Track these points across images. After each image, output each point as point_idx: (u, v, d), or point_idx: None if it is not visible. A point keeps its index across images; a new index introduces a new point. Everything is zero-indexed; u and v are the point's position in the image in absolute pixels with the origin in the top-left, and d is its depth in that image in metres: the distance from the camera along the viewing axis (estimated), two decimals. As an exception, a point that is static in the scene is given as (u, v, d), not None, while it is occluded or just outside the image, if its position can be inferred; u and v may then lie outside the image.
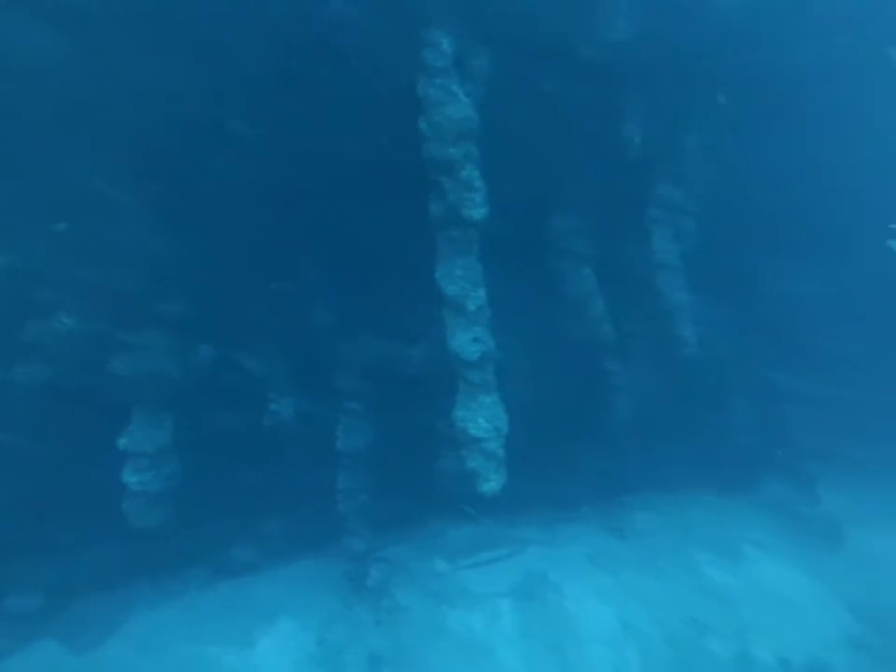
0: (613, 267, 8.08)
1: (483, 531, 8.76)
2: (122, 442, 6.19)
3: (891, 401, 9.59)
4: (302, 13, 5.87)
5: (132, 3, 5.32)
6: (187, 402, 6.72)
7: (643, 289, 8.01)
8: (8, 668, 6.23)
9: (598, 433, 8.69)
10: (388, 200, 6.90)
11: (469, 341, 5.80)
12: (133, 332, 6.22)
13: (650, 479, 9.38)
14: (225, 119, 6.19)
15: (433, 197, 6.16)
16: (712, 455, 9.50)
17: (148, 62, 5.57)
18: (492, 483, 5.64)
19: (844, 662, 7.13)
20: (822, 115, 7.89)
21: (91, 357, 6.04)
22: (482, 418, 5.67)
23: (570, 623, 7.26)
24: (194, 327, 6.68)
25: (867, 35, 7.50)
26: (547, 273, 7.83)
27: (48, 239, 5.74)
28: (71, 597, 6.68)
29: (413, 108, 5.99)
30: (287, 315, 7.54)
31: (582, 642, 7.05)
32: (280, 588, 7.61)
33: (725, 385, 9.37)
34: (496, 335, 6.07)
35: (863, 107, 8.03)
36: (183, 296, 6.50)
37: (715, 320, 8.93)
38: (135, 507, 6.21)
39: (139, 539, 6.52)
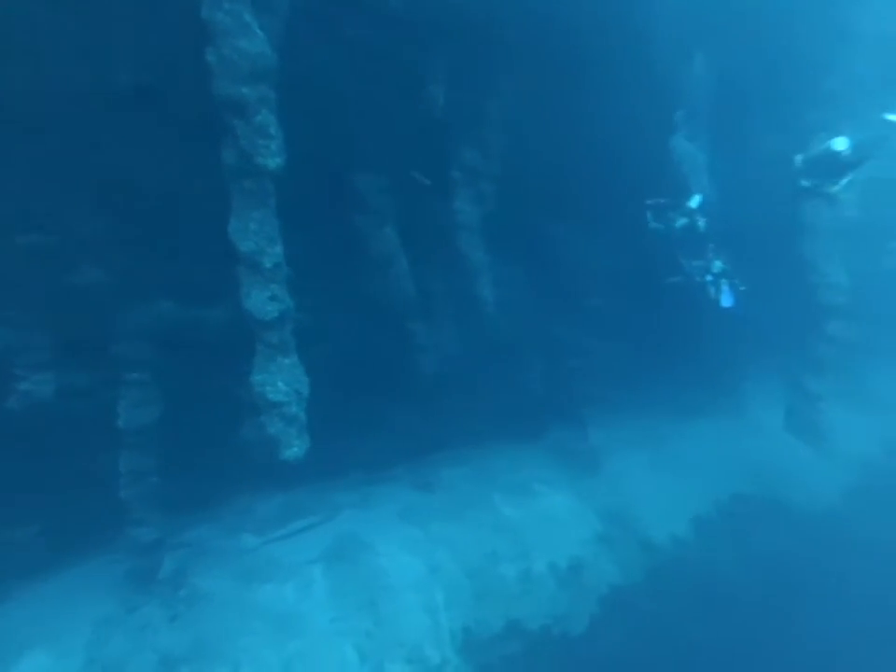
0: (416, 227, 8.24)
1: (293, 499, 8.56)
2: None
3: (642, 352, 11.48)
4: None
5: None
6: None
7: (445, 250, 8.33)
8: None
9: (405, 393, 8.97)
10: (173, 140, 6.06)
11: (265, 300, 5.41)
12: None
13: (456, 435, 10.01)
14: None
15: (225, 142, 5.51)
16: (511, 408, 10.46)
17: None
18: (294, 448, 5.42)
19: (592, 553, 9.08)
20: (609, 90, 8.64)
21: None
22: (281, 381, 5.37)
23: (381, 577, 7.50)
24: None
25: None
26: (349, 231, 7.68)
27: None
28: None
29: (199, 35, 5.23)
30: (44, 275, 6.25)
31: (394, 592, 7.37)
32: (30, 612, 6.30)
33: (521, 343, 10.30)
34: (296, 294, 5.77)
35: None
36: None
37: (511, 281, 9.69)
38: None
39: None
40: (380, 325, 8.35)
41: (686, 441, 11.57)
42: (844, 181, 7.19)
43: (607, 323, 10.99)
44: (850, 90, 9.83)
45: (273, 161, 5.25)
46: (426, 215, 8.43)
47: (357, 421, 8.51)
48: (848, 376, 12.52)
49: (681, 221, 9.01)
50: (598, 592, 8.75)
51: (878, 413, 13.85)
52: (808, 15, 9.93)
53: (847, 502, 11.82)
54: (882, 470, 12.72)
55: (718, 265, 9.31)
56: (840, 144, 7.34)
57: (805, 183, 7.43)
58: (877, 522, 11.00)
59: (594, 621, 8.26)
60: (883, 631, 9.03)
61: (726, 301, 9.06)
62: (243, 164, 5.40)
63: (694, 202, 8.95)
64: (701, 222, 8.96)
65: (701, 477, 10.97)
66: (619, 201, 9.94)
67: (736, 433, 12.01)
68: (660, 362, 11.96)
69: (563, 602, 8.17)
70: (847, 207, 9.91)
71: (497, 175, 8.30)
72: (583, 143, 8.97)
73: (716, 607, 9.23)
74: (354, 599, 7.18)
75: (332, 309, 7.94)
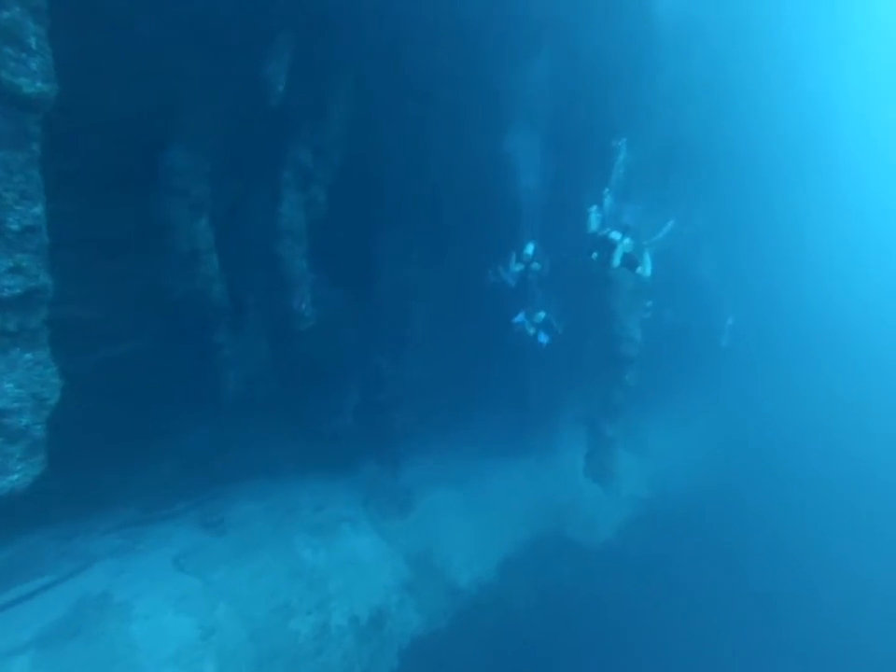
0: (234, 224, 7.15)
1: (21, 551, 6.41)
2: None
3: (461, 389, 11.48)
4: None
5: None
6: None
7: (263, 254, 7.33)
8: None
9: (201, 413, 7.57)
10: None
11: (2, 271, 3.93)
12: None
13: (258, 464, 8.74)
14: None
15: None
16: (320, 439, 9.52)
17: None
18: (14, 476, 3.86)
19: (396, 601, 8.59)
20: (446, 112, 8.56)
21: None
22: (9, 382, 3.87)
23: (127, 655, 5.78)
24: None
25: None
26: (155, 215, 6.32)
27: None
28: None
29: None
30: None
31: (144, 672, 5.75)
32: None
33: (337, 368, 9.52)
34: (63, 277, 4.35)
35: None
36: None
37: (333, 301, 8.96)
38: None
39: None
40: (179, 331, 6.95)
41: (497, 482, 11.76)
42: (616, 260, 8.29)
43: (428, 356, 10.77)
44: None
45: (30, 84, 3.89)
46: (248, 213, 7.39)
47: (133, 444, 6.85)
48: (628, 422, 14.14)
49: (518, 268, 9.27)
50: (400, 644, 8.12)
51: (647, 456, 15.87)
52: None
53: (619, 536, 13.15)
54: (649, 507, 14.50)
55: (541, 316, 9.80)
56: (616, 235, 8.44)
57: (594, 255, 8.46)
58: (642, 549, 12.57)
59: (392, 677, 7.58)
60: (646, 643, 10.25)
61: (543, 338, 9.61)
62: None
63: (529, 248, 9.29)
64: (536, 267, 9.32)
65: (509, 518, 11.16)
66: (452, 235, 9.98)
67: (543, 474, 12.61)
68: (477, 401, 12.13)
69: (361, 660, 7.34)
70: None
71: (330, 182, 7.65)
72: (424, 167, 8.84)
73: (514, 646, 9.27)
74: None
75: (119, 305, 6.38)
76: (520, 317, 9.71)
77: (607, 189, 9.23)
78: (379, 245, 9.18)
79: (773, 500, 16.21)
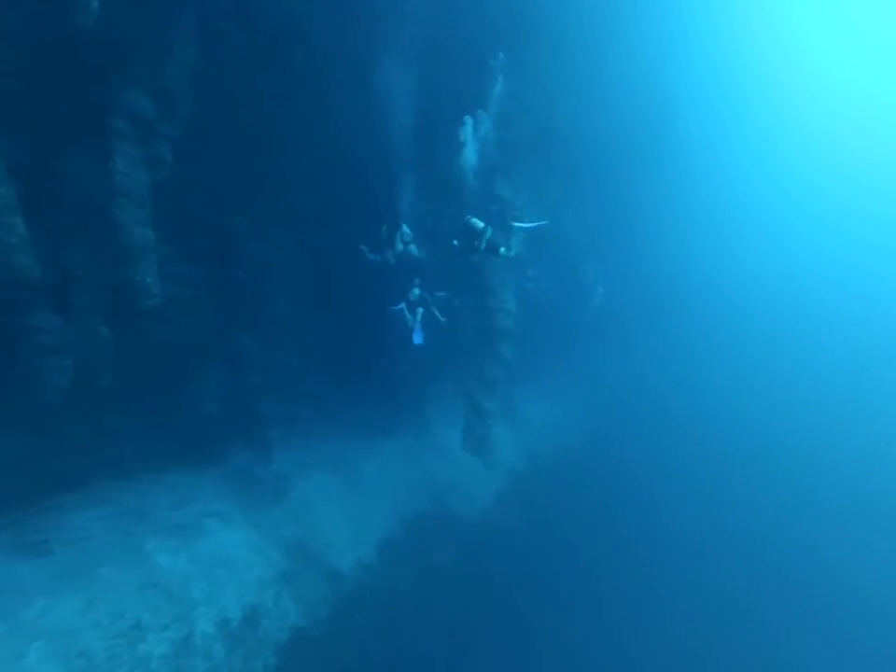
0: (50, 181, 5.90)
1: None
2: None
3: (332, 370, 10.92)
4: None
5: None
6: None
7: (94, 220, 6.16)
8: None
9: (17, 413, 6.30)
10: None
11: None
12: None
13: (96, 467, 7.53)
14: None
15: None
16: (182, 430, 8.52)
17: None
18: None
19: (272, 595, 8.02)
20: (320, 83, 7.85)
21: None
22: None
23: None
24: None
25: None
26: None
27: None
28: None
29: None
30: None
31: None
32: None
33: (195, 351, 8.53)
34: None
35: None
36: None
37: (187, 278, 7.96)
38: None
39: None
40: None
41: (375, 461, 11.45)
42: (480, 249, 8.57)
43: (296, 335, 10.06)
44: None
45: None
46: (70, 169, 6.14)
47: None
48: (504, 395, 14.51)
49: (399, 248, 8.99)
50: (278, 640, 7.60)
51: (522, 427, 16.49)
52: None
53: (498, 506, 13.56)
54: (524, 478, 15.11)
55: (416, 293, 9.59)
56: (478, 223, 8.69)
57: (455, 242, 8.68)
58: (517, 518, 13.06)
59: (268, 680, 7.06)
60: (528, 606, 10.67)
61: (417, 338, 9.47)
62: None
63: (406, 229, 9.04)
64: (414, 249, 9.08)
65: (388, 497, 10.93)
66: (323, 206, 9.31)
67: (421, 451, 12.51)
68: (349, 381, 11.67)
69: (232, 667, 6.71)
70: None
71: (177, 138, 6.60)
72: (287, 122, 8.04)
73: (398, 625, 9.15)
74: None
75: None
76: (401, 306, 9.44)
77: (481, 113, 9.20)
78: (239, 217, 8.28)
79: (643, 463, 17.52)
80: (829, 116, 36.29)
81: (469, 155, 9.56)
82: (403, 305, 9.59)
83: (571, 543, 13.01)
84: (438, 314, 9.87)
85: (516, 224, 8.93)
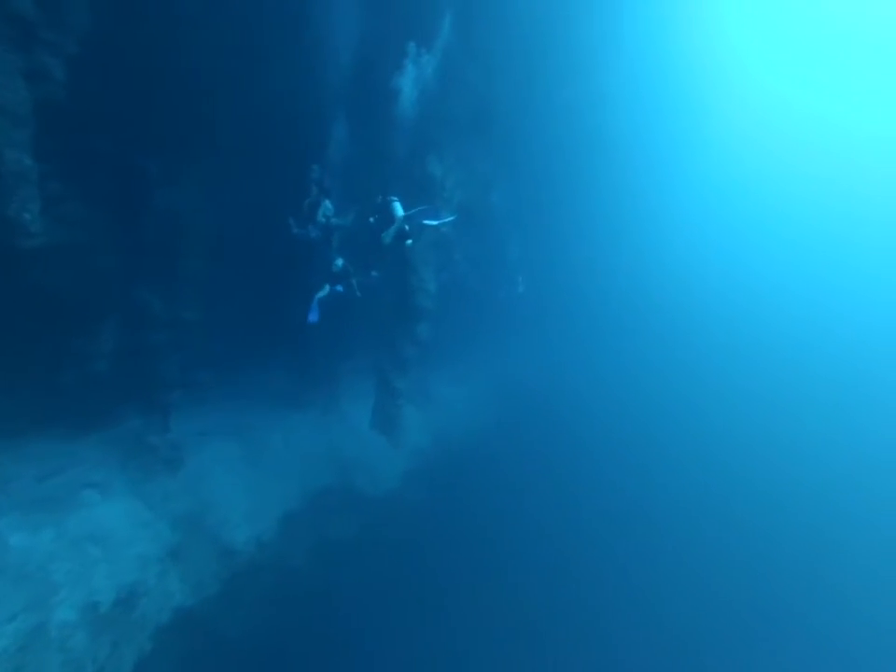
0: None
1: None
2: None
3: (239, 333, 10.20)
4: None
5: None
6: None
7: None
8: None
9: None
10: None
11: None
12: None
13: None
14: None
15: None
16: (62, 390, 7.60)
17: None
18: None
19: (156, 574, 7.44)
20: None
21: None
22: None
23: None
24: None
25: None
26: None
27: None
28: None
29: None
30: None
31: None
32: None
33: (85, 303, 7.62)
34: None
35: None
36: None
37: (78, 219, 7.04)
38: None
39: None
40: None
41: (280, 434, 10.96)
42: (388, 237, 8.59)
43: (204, 294, 9.27)
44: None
45: None
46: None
47: None
48: (416, 375, 14.38)
49: (321, 221, 8.65)
50: (158, 622, 7.06)
51: (432, 408, 16.50)
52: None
53: (403, 485, 13.52)
54: (430, 457, 15.16)
55: (339, 264, 9.29)
56: (398, 210, 8.64)
57: (371, 220, 8.88)
58: (421, 498, 13.07)
59: (141, 663, 6.54)
60: (433, 583, 10.64)
61: (313, 317, 9.29)
62: None
63: (329, 204, 8.71)
64: (337, 222, 8.76)
65: (293, 471, 10.51)
66: (246, 155, 8.58)
67: (328, 426, 12.14)
68: (258, 347, 11.02)
69: (96, 656, 6.09)
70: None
71: (73, 54, 5.68)
72: (219, 65, 7.27)
73: (292, 603, 8.85)
74: None
75: None
76: (313, 314, 9.17)
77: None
78: (150, 159, 7.42)
79: (552, 451, 17.94)
80: (757, 120, 39.73)
81: (408, 97, 9.36)
82: (327, 289, 9.31)
83: (473, 525, 13.19)
84: (356, 287, 9.58)
85: (424, 221, 9.07)
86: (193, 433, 9.48)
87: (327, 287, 9.41)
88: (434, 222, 10.12)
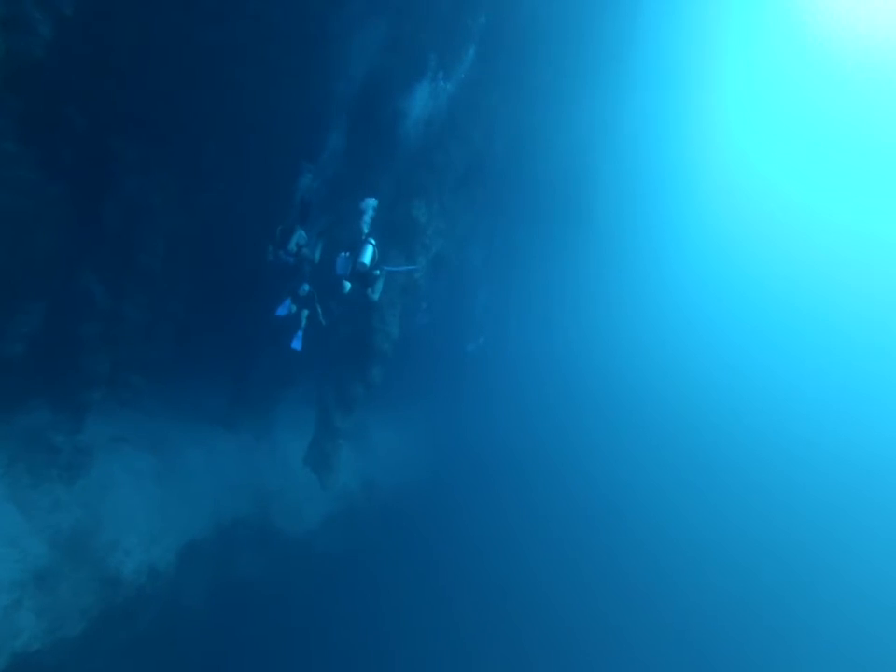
0: None
1: None
2: None
3: (182, 339, 9.57)
4: None
5: None
6: None
7: None
8: None
9: None
10: None
11: None
12: None
13: None
14: None
15: None
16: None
17: None
18: None
19: (6, 605, 6.39)
20: None
21: None
22: None
23: None
24: None
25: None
26: None
27: None
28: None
29: None
30: None
31: None
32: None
33: (19, 277, 6.97)
34: None
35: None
36: None
37: (40, 191, 6.54)
38: None
39: None
40: None
41: (202, 452, 10.15)
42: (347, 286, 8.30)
43: (153, 294, 8.64)
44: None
45: None
46: None
47: None
48: (360, 417, 13.84)
49: (292, 250, 8.28)
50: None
51: (366, 452, 15.87)
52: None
53: (324, 527, 12.77)
54: (355, 500, 14.47)
55: (305, 289, 8.92)
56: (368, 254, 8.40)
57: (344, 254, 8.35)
58: (341, 541, 12.53)
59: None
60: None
61: (296, 344, 8.85)
62: None
63: (303, 233, 8.40)
64: (308, 253, 8.43)
65: (206, 496, 9.68)
66: (228, 158, 8.25)
67: (256, 453, 11.40)
68: (198, 359, 10.35)
69: None
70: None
71: (65, 14, 5.30)
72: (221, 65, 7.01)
73: (176, 652, 7.90)
74: None
75: None
76: (284, 308, 8.72)
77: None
78: (126, 143, 7.00)
79: (479, 509, 17.56)
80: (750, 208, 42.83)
81: (415, 120, 9.12)
82: (290, 304, 8.81)
83: (387, 578, 12.58)
84: (321, 314, 9.19)
85: (386, 267, 8.73)
86: (107, 437, 8.63)
87: (306, 313, 8.92)
88: (397, 269, 9.86)
